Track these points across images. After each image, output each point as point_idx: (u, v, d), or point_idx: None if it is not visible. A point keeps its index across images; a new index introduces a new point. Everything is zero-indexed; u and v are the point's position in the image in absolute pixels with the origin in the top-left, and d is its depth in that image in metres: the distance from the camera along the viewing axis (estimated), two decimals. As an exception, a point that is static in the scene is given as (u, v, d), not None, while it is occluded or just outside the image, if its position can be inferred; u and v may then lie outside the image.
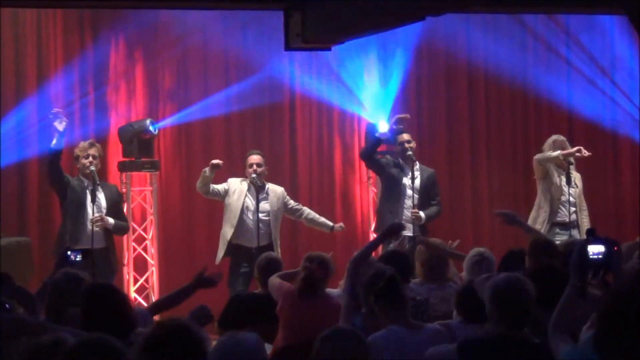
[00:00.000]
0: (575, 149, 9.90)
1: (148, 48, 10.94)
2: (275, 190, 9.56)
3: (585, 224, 9.91)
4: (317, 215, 9.76)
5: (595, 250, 4.63)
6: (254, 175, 9.39)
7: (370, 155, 9.83)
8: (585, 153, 9.90)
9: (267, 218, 9.41)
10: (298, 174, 11.42)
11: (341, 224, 9.91)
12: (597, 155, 12.02)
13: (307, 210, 9.72)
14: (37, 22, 10.49)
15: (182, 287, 6.22)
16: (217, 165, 9.31)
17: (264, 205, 9.40)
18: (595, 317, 4.42)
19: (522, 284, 4.66)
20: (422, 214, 9.60)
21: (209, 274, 6.20)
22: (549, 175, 9.96)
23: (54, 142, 8.92)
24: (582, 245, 4.65)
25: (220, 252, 9.42)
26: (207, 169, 9.34)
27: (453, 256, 7.50)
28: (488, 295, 4.68)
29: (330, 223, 9.75)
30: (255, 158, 9.48)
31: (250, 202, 9.42)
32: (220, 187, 9.46)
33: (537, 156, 10.01)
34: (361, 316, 5.85)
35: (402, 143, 9.76)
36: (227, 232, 9.41)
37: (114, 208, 9.18)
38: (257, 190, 9.36)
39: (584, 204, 10.08)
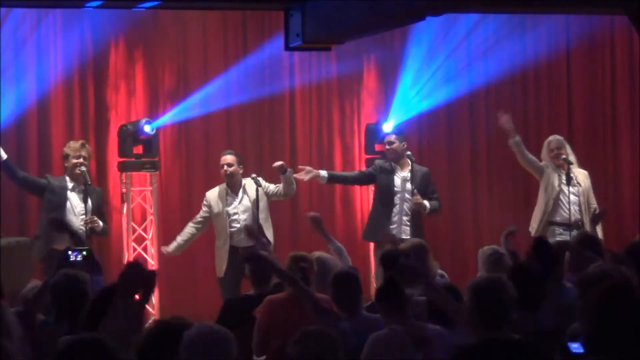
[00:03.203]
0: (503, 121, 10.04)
1: (148, 48, 10.94)
2: (250, 183, 9.57)
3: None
4: (284, 183, 9.66)
5: None
6: (253, 175, 9.46)
7: (348, 183, 10.57)
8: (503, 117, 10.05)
9: (249, 216, 9.45)
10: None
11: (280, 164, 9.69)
12: (596, 153, 12.05)
13: (277, 185, 9.67)
14: (37, 22, 10.48)
15: None
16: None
17: (245, 203, 9.49)
18: (585, 319, 4.44)
19: (502, 284, 4.64)
20: (426, 203, 9.63)
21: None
22: (546, 174, 9.96)
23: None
24: None
25: (223, 263, 9.43)
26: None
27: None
28: (469, 296, 4.65)
29: (295, 176, 9.73)
30: (223, 158, 9.60)
31: (226, 206, 9.52)
32: (202, 214, 9.66)
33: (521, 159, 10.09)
34: (348, 321, 5.81)
35: (390, 143, 9.86)
36: (225, 243, 9.47)
37: (99, 211, 9.20)
38: (235, 192, 9.51)
39: (593, 202, 10.01)
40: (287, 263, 6.58)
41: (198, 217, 9.69)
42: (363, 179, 10.24)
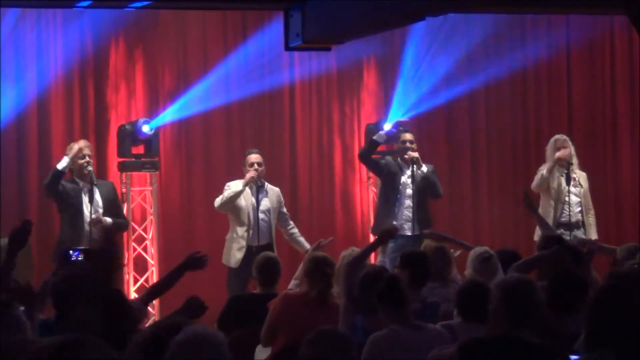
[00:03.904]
0: (558, 154, 9.92)
1: (148, 48, 10.94)
2: (273, 189, 9.64)
3: (592, 223, 9.96)
4: (298, 234, 9.66)
5: None
6: (252, 176, 9.44)
7: (367, 157, 10.05)
8: (565, 152, 9.86)
9: (267, 216, 9.47)
10: (298, 174, 11.42)
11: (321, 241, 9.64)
12: (596, 154, 12.05)
13: (292, 225, 9.67)
14: (37, 21, 10.48)
15: (172, 270, 6.19)
16: (253, 179, 9.35)
17: (265, 203, 9.45)
18: (584, 318, 4.48)
19: (533, 286, 4.68)
20: (424, 168, 9.81)
21: (198, 255, 6.17)
22: (550, 181, 10.02)
23: (61, 163, 8.95)
24: None
25: (239, 254, 9.39)
26: (239, 186, 9.36)
27: (461, 246, 7.60)
28: (498, 294, 4.67)
29: (307, 245, 9.42)
30: (255, 157, 9.53)
31: (254, 202, 9.48)
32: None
33: (533, 186, 10.06)
34: (361, 316, 5.86)
35: (404, 142, 9.88)
36: (243, 234, 9.41)
37: (111, 206, 9.18)
38: (258, 189, 9.40)
39: (590, 205, 10.08)
40: (308, 264, 6.59)
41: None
42: (372, 165, 10.21)
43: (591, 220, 9.98)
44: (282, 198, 9.69)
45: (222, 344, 3.79)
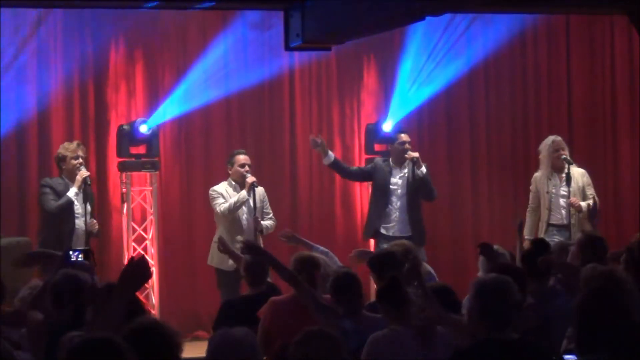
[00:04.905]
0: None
1: (148, 48, 10.94)
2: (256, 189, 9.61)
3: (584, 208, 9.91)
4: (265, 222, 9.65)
5: None
6: (254, 180, 9.42)
7: (345, 174, 10.35)
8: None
9: (250, 217, 9.50)
10: (298, 175, 11.41)
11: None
12: (596, 153, 12.06)
13: (268, 220, 9.64)
14: (38, 23, 10.48)
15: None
16: (254, 183, 9.36)
17: (250, 204, 9.46)
18: (573, 322, 4.48)
19: (508, 286, 4.61)
20: (424, 168, 9.77)
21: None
22: (537, 188, 10.10)
23: (70, 192, 9.01)
24: None
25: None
26: (242, 193, 9.37)
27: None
28: (473, 294, 4.62)
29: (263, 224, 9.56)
30: (244, 158, 9.56)
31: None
32: (222, 201, 9.51)
33: (532, 189, 10.22)
34: (346, 320, 5.83)
35: (402, 143, 9.87)
36: (237, 236, 9.41)
37: (92, 210, 9.25)
38: (253, 191, 9.42)
39: (588, 195, 10.06)
40: (293, 265, 6.59)
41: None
42: (358, 176, 10.37)
43: (588, 203, 9.98)
44: (265, 197, 9.66)
45: (253, 344, 3.87)
